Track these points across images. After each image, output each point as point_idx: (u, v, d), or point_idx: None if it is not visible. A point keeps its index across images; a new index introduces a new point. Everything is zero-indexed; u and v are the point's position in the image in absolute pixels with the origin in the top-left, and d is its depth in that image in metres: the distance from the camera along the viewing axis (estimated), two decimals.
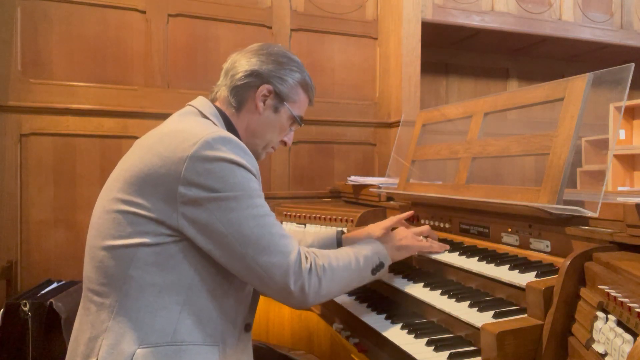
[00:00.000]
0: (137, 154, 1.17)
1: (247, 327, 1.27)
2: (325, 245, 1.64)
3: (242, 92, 1.35)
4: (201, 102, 1.34)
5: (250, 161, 1.17)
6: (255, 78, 1.35)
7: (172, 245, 1.12)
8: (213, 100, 1.39)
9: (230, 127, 1.33)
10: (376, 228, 1.63)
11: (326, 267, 1.22)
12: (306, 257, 1.19)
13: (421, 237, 1.57)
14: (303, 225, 2.44)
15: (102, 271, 1.14)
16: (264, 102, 1.36)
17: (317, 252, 1.25)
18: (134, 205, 1.12)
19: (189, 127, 1.17)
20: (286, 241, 1.16)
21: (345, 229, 1.72)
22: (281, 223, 1.71)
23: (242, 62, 1.37)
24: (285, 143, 1.47)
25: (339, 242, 1.64)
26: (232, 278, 1.20)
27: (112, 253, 1.13)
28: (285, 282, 1.13)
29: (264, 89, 1.35)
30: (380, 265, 1.39)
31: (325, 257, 1.24)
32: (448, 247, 1.57)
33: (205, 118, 1.29)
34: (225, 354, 1.18)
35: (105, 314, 1.12)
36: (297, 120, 1.43)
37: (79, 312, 1.21)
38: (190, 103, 1.35)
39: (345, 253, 1.32)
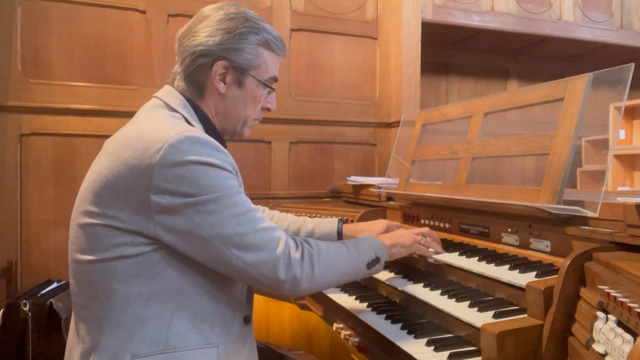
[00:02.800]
0: (104, 161, 1.11)
1: (247, 320, 1.24)
2: (325, 232, 1.64)
3: (197, 77, 1.24)
4: (167, 92, 1.25)
5: (222, 158, 1.10)
6: (205, 57, 1.21)
7: (153, 253, 1.07)
8: (176, 88, 1.28)
9: (199, 113, 1.24)
10: (378, 225, 1.63)
11: (318, 255, 1.19)
12: (297, 246, 1.16)
13: (420, 238, 1.54)
14: None
15: (85, 286, 1.11)
16: (224, 81, 1.24)
17: (310, 241, 1.22)
18: (107, 218, 1.07)
19: (153, 129, 1.09)
20: (271, 234, 1.12)
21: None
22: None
23: (187, 42, 1.24)
24: (268, 109, 1.35)
25: (339, 231, 1.64)
26: (223, 276, 1.16)
27: (92, 268, 1.09)
28: (275, 275, 1.10)
29: (218, 67, 1.22)
30: (376, 260, 1.35)
31: (318, 246, 1.21)
32: (444, 251, 1.56)
33: (173, 111, 1.20)
34: (226, 352, 1.15)
35: (94, 328, 1.09)
36: (268, 86, 1.30)
37: (71, 323, 1.19)
38: (155, 94, 1.26)
39: (339, 244, 1.29)
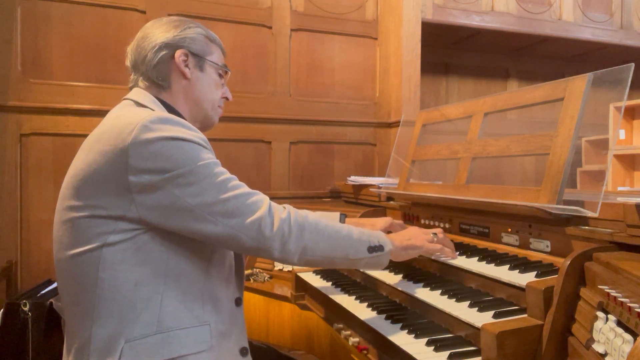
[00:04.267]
0: (80, 157, 1.14)
1: (238, 301, 1.26)
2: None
3: (161, 69, 1.29)
4: (136, 92, 1.29)
5: (194, 135, 1.13)
6: (166, 49, 1.29)
7: (136, 238, 1.09)
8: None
9: (170, 109, 1.29)
10: (381, 221, 1.62)
11: (306, 217, 1.19)
12: (283, 207, 1.17)
13: (433, 239, 1.48)
14: None
15: (72, 281, 1.12)
16: (187, 66, 1.31)
17: (300, 211, 1.22)
18: (88, 208, 1.08)
19: (124, 118, 1.12)
20: (254, 197, 1.13)
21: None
22: None
23: (144, 44, 1.30)
24: (227, 98, 1.43)
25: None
26: (209, 255, 1.18)
27: (77, 260, 1.10)
28: (262, 234, 1.11)
29: (180, 54, 1.29)
30: (379, 248, 1.31)
31: (306, 212, 1.21)
32: (457, 254, 1.50)
33: (142, 107, 1.24)
34: (217, 330, 1.17)
35: (86, 321, 1.10)
36: (224, 69, 1.39)
37: (65, 328, 1.19)
38: (125, 97, 1.31)
39: (337, 223, 1.28)
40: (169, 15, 2.97)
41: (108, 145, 1.07)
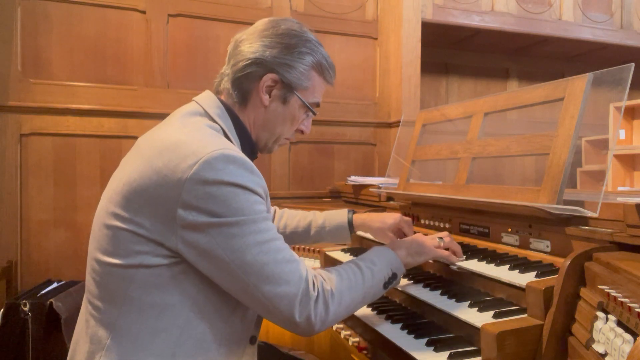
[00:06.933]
0: (136, 164, 1.09)
1: (253, 340, 1.21)
2: (336, 224, 1.62)
3: (244, 84, 1.22)
4: (207, 98, 1.23)
5: (255, 181, 1.07)
6: (258, 67, 1.20)
7: (172, 266, 1.06)
8: (218, 93, 1.28)
9: (237, 124, 1.23)
10: (390, 218, 1.61)
11: (334, 293, 1.12)
12: (314, 284, 1.10)
13: (439, 244, 1.44)
14: None
15: (101, 287, 1.10)
16: (270, 94, 1.23)
17: (323, 274, 1.16)
18: (132, 224, 1.05)
19: (190, 141, 1.07)
20: (292, 267, 1.07)
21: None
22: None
23: (244, 47, 1.22)
24: (302, 132, 1.35)
25: (349, 222, 1.63)
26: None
27: (111, 271, 1.07)
28: (291, 313, 1.05)
29: (268, 79, 1.21)
30: (393, 277, 1.28)
31: (333, 280, 1.15)
32: (464, 257, 1.48)
33: (212, 121, 1.18)
34: None
35: (103, 330, 1.08)
36: (310, 109, 1.30)
37: (80, 318, 1.17)
38: (195, 99, 1.24)
39: (353, 271, 1.21)
40: (170, 15, 3.00)
41: (167, 168, 1.03)
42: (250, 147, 1.27)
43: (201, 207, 1.01)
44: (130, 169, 1.09)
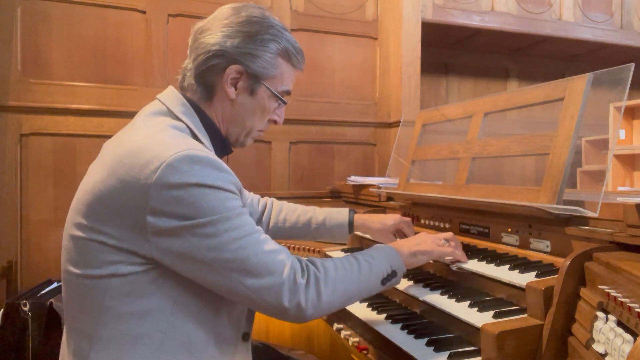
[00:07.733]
0: (99, 173, 1.05)
1: (245, 337, 1.17)
2: (337, 222, 1.61)
3: (207, 78, 1.16)
4: (170, 96, 1.18)
5: (224, 178, 1.03)
6: (220, 59, 1.14)
7: (147, 272, 1.02)
8: (182, 89, 1.22)
9: (205, 120, 1.17)
10: (391, 219, 1.61)
11: (325, 278, 1.09)
12: (302, 270, 1.07)
13: (443, 242, 1.41)
14: None
15: (77, 300, 1.07)
16: (235, 86, 1.17)
17: (317, 262, 1.12)
18: (100, 234, 1.01)
19: (152, 145, 1.02)
20: (275, 257, 1.04)
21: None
22: None
23: (204, 39, 1.16)
24: (275, 122, 1.28)
25: (350, 221, 1.62)
26: (221, 295, 1.08)
27: (84, 282, 1.04)
28: (279, 302, 1.02)
29: (231, 70, 1.15)
30: (392, 275, 1.23)
31: (325, 267, 1.11)
32: (466, 260, 1.45)
33: (177, 119, 1.13)
34: None
35: (85, 343, 1.05)
36: (280, 98, 1.23)
37: (64, 333, 1.14)
38: (159, 97, 1.19)
39: (349, 262, 1.17)
40: (170, 15, 3.00)
41: (130, 175, 0.99)
42: (222, 143, 1.23)
43: (171, 212, 0.98)
44: (94, 178, 1.05)
